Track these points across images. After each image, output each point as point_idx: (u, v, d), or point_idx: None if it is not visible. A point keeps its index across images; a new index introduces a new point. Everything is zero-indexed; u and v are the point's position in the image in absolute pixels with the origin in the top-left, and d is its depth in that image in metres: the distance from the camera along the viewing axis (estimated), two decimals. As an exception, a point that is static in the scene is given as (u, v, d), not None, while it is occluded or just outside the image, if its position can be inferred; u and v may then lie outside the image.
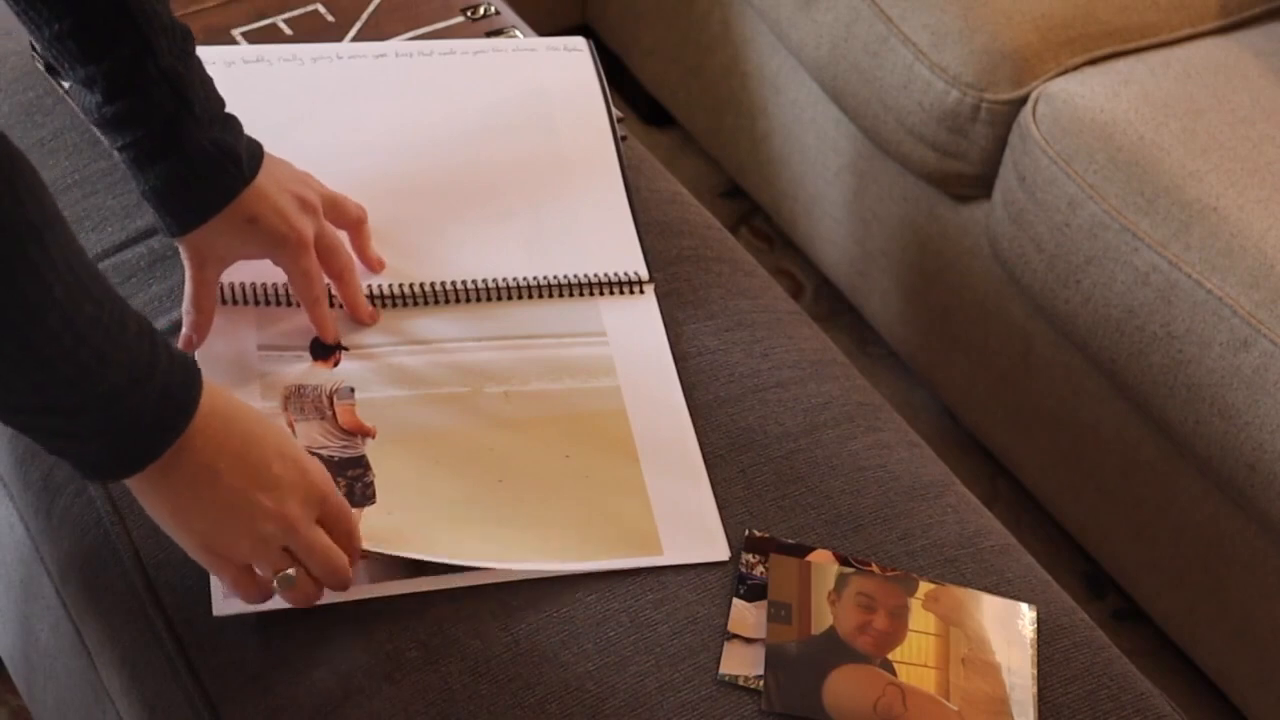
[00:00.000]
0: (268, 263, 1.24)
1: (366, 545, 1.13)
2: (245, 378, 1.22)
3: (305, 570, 1.09)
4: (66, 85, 1.40)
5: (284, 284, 1.26)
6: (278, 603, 1.11)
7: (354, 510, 1.16)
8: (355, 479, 1.18)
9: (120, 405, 0.99)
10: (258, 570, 1.09)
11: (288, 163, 1.26)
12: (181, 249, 1.22)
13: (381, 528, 1.16)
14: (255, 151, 1.21)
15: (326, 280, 1.25)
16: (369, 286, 1.28)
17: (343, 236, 1.28)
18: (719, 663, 1.14)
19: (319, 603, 1.12)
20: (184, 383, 1.02)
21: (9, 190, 0.93)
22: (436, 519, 1.17)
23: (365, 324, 1.27)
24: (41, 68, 1.42)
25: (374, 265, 1.30)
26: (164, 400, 1.01)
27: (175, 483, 1.04)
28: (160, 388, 1.01)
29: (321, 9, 1.49)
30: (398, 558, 1.15)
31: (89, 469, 1.03)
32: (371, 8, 1.50)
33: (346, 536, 1.11)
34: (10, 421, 1.01)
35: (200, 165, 1.17)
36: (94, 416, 0.99)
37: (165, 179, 1.17)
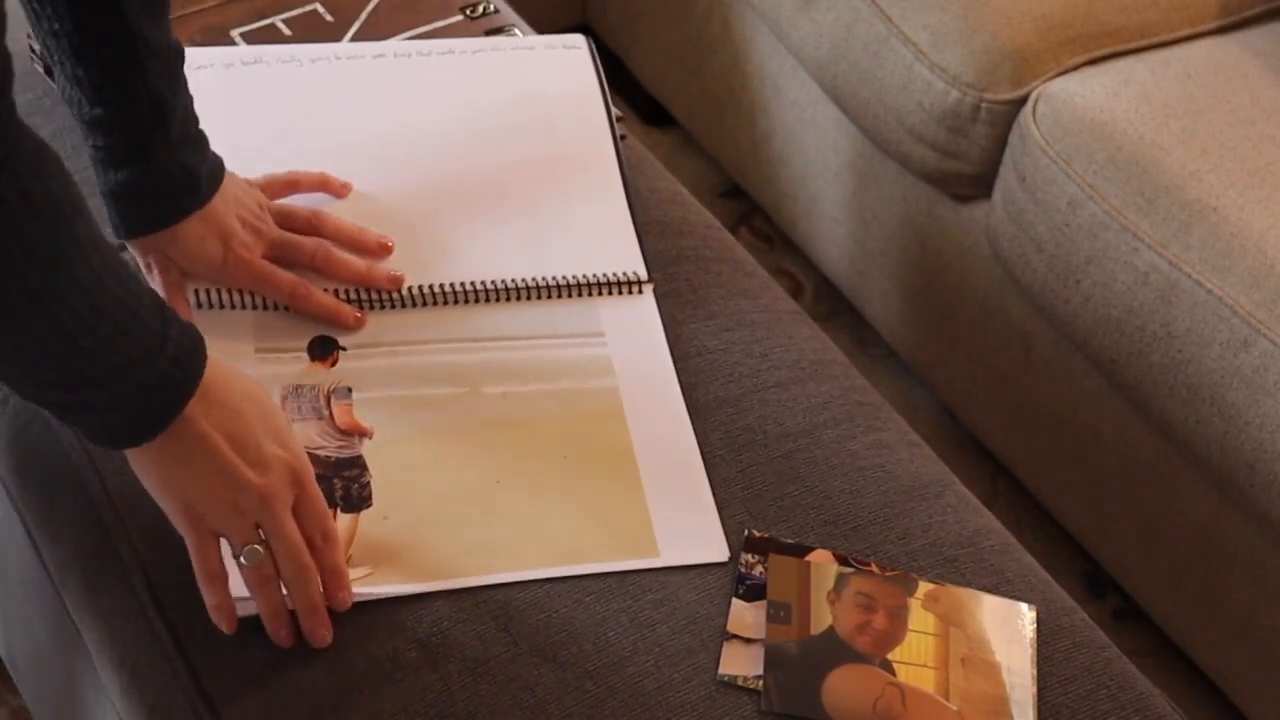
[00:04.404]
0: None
1: (361, 588, 1.13)
2: None
3: (272, 560, 1.10)
4: (65, 85, 1.41)
5: None
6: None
7: (350, 515, 1.17)
8: (352, 480, 1.18)
9: (135, 376, 1.03)
10: (228, 545, 1.10)
11: (242, 182, 1.28)
12: (131, 249, 1.25)
13: (376, 543, 1.16)
14: (215, 174, 1.24)
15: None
16: (369, 293, 1.28)
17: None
18: (719, 663, 1.14)
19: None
20: (191, 351, 1.06)
21: (42, 179, 0.97)
22: (433, 525, 1.17)
23: (349, 327, 1.27)
24: (40, 69, 1.42)
25: (372, 249, 1.30)
26: (174, 368, 1.05)
27: (174, 448, 1.07)
28: (171, 357, 1.04)
29: (320, 9, 1.49)
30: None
31: (101, 437, 1.07)
32: (370, 7, 1.50)
33: (324, 539, 1.11)
34: (26, 394, 1.06)
35: (160, 182, 1.20)
36: (110, 387, 1.03)
37: (124, 186, 1.20)
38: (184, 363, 1.05)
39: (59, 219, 0.98)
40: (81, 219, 1.00)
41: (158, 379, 1.04)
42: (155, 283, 1.24)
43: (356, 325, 1.27)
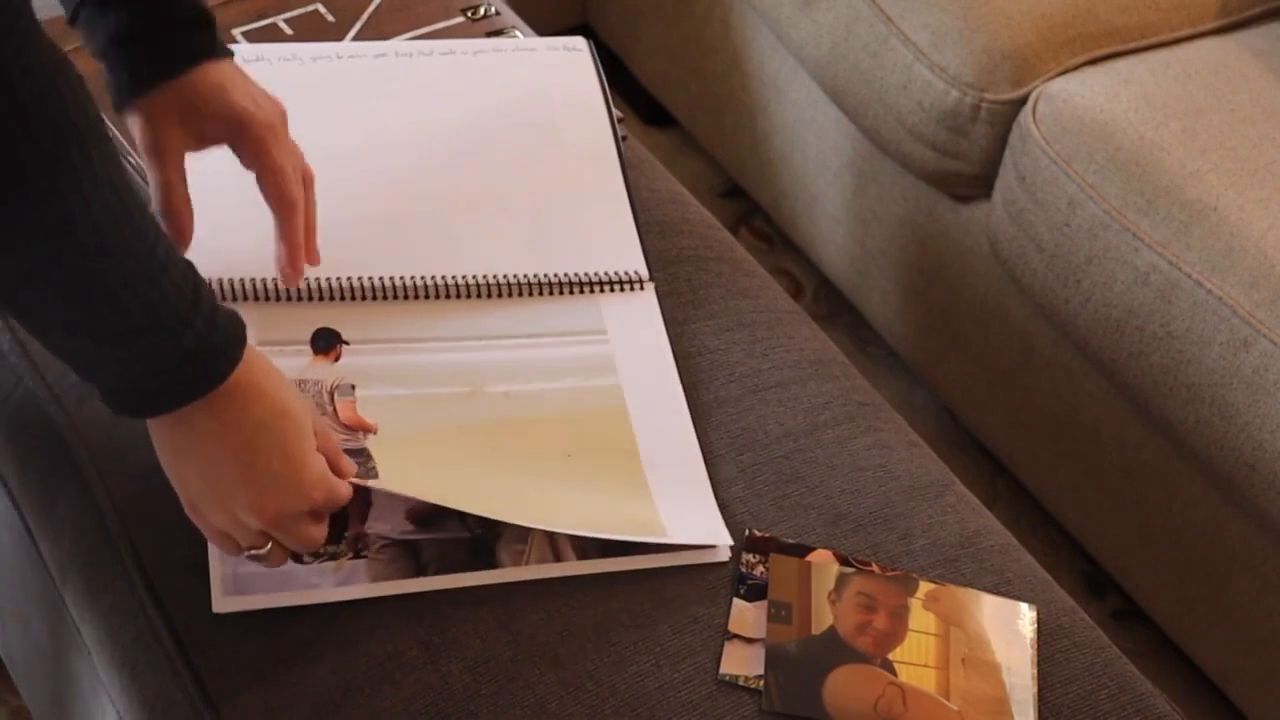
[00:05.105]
0: (268, 256, 1.24)
1: (376, 484, 1.14)
2: None
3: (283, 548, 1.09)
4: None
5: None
6: (275, 600, 1.12)
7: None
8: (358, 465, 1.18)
9: (136, 347, 0.97)
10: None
11: None
12: (136, 131, 1.12)
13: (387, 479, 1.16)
14: (225, 45, 1.14)
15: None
16: (371, 278, 1.27)
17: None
18: (719, 663, 1.14)
19: (325, 601, 1.13)
20: (214, 356, 1.00)
21: (55, 91, 0.89)
22: (441, 494, 1.17)
23: (287, 276, 1.17)
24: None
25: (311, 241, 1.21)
26: (186, 360, 0.99)
27: (182, 436, 1.03)
28: (185, 348, 0.98)
29: (322, 9, 1.49)
30: (398, 559, 1.15)
31: (108, 399, 1.01)
32: (372, 8, 1.50)
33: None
34: (36, 334, 0.99)
35: (175, 16, 1.08)
36: (110, 349, 0.97)
37: (131, 24, 1.08)
38: (202, 359, 0.99)
39: (64, 127, 0.89)
40: (99, 146, 0.91)
41: (164, 363, 0.98)
42: (150, 163, 1.13)
43: (290, 281, 1.18)
